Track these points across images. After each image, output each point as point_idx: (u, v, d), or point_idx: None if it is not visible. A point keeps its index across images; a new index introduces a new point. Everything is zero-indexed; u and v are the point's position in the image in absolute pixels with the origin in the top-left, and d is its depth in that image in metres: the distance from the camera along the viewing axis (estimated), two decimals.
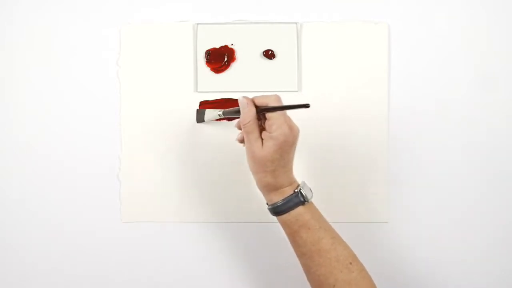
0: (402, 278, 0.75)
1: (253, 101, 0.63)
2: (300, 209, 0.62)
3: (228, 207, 0.77)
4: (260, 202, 0.76)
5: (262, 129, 0.64)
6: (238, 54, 0.77)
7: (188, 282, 0.77)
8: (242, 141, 0.65)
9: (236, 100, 0.76)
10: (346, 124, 0.77)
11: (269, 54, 0.77)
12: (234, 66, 0.77)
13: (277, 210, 0.63)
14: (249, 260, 0.77)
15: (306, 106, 0.59)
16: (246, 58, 0.77)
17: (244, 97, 0.64)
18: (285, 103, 0.62)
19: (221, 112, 0.72)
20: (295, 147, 0.63)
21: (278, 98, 0.63)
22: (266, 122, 0.62)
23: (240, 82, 0.77)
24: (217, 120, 0.75)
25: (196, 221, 0.77)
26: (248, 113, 0.63)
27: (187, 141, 0.77)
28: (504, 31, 0.77)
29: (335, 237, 0.63)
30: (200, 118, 0.76)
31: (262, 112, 0.63)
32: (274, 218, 0.76)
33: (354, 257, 0.63)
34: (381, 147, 0.77)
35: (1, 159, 0.78)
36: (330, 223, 0.64)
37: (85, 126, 0.77)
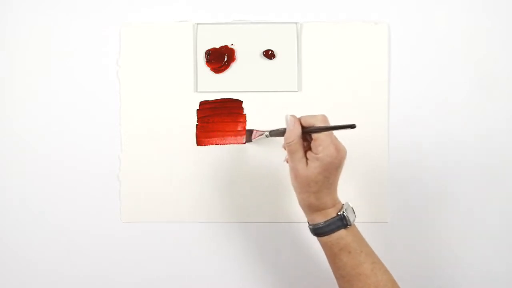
0: (402, 278, 0.75)
1: (299, 120, 0.62)
2: (342, 232, 0.61)
3: (229, 207, 0.77)
4: (260, 202, 0.77)
5: (307, 149, 0.62)
6: (238, 54, 0.77)
7: (188, 282, 0.77)
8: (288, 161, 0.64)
9: (236, 100, 0.77)
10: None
11: (269, 54, 0.77)
12: (234, 66, 0.77)
13: (318, 232, 0.62)
14: (249, 260, 0.77)
15: (353, 126, 0.58)
16: (246, 58, 0.77)
17: (291, 115, 0.63)
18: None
19: (268, 133, 0.72)
20: (341, 169, 0.62)
21: (325, 118, 0.62)
22: (313, 142, 0.61)
23: (240, 82, 0.77)
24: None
25: (196, 221, 0.77)
26: (293, 131, 0.62)
27: (187, 141, 0.77)
28: (504, 31, 0.77)
29: (376, 262, 0.62)
30: (248, 138, 0.76)
31: (308, 132, 0.62)
32: (276, 218, 0.76)
33: (394, 283, 0.62)
34: (381, 147, 0.77)
35: (1, 159, 0.78)
36: (371, 247, 0.63)
37: (85, 126, 0.78)
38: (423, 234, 0.77)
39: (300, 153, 0.61)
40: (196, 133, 0.77)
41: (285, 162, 0.66)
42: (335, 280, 0.64)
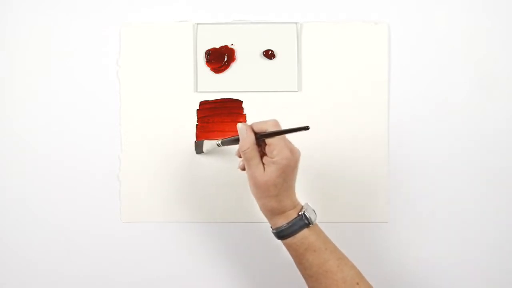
0: (402, 278, 0.75)
1: (251, 127, 0.63)
2: (305, 231, 0.62)
3: (229, 207, 0.77)
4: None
5: (262, 154, 0.63)
6: (238, 54, 0.77)
7: (188, 282, 0.77)
8: (243, 169, 0.65)
9: (236, 100, 0.77)
10: (346, 124, 0.77)
11: (269, 54, 0.77)
12: (234, 66, 0.77)
13: (282, 234, 0.63)
14: (249, 260, 0.77)
15: (306, 128, 0.58)
16: (246, 58, 0.77)
17: (242, 124, 0.63)
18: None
19: (219, 142, 0.72)
20: (297, 170, 0.63)
21: (276, 123, 0.63)
22: (267, 147, 0.62)
23: (240, 82, 0.77)
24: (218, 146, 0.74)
25: (196, 221, 0.77)
26: (246, 139, 0.62)
27: (187, 140, 0.77)
28: (504, 31, 0.77)
29: (341, 258, 0.63)
30: (199, 149, 0.76)
31: (261, 138, 0.62)
32: None
33: (361, 276, 0.63)
34: (381, 147, 0.77)
35: (1, 159, 0.78)
36: (334, 243, 0.64)
37: (85, 126, 0.78)
38: (423, 234, 0.77)
39: (256, 159, 0.62)
40: (196, 133, 0.77)
41: (239, 169, 0.66)
42: (301, 274, 0.64)
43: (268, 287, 0.77)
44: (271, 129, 0.62)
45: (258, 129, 0.63)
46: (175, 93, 0.77)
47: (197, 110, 0.77)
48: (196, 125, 0.77)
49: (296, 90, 0.77)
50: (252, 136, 0.62)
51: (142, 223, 0.77)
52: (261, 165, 0.62)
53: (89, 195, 0.77)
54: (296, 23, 0.77)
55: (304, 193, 0.74)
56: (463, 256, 0.77)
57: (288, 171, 0.61)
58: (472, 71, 0.77)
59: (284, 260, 0.77)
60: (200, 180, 0.77)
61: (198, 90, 0.77)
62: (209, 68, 0.77)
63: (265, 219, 0.77)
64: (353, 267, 0.63)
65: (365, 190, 0.77)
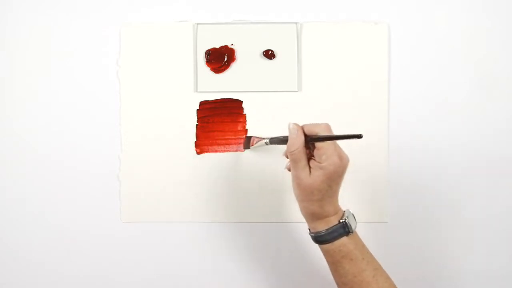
0: (402, 278, 0.75)
1: (302, 128, 0.62)
2: (344, 239, 0.61)
3: (229, 207, 0.77)
4: (260, 202, 0.77)
5: (309, 157, 0.62)
6: (238, 54, 0.77)
7: (188, 282, 0.77)
8: (290, 169, 0.64)
9: (236, 100, 0.77)
10: (346, 124, 0.76)
11: (269, 54, 0.77)
12: (234, 66, 0.77)
13: (320, 239, 0.62)
14: (249, 260, 0.77)
15: (359, 136, 0.57)
16: (246, 58, 0.77)
17: (294, 124, 0.62)
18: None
19: (267, 140, 0.72)
20: (343, 177, 0.62)
21: (328, 127, 0.62)
22: (316, 151, 0.61)
23: (240, 82, 0.77)
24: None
25: (196, 221, 0.77)
26: (296, 140, 0.61)
27: (187, 140, 0.77)
28: (504, 31, 0.77)
29: (377, 269, 0.62)
30: (246, 145, 0.76)
31: (311, 141, 0.61)
32: (275, 218, 0.76)
33: None
34: (381, 147, 0.77)
35: (1, 159, 0.78)
36: (372, 254, 0.63)
37: (85, 126, 0.78)
38: (423, 234, 0.77)
39: (303, 161, 0.61)
40: (196, 133, 0.77)
41: (286, 169, 0.66)
42: (334, 280, 0.64)
43: (269, 286, 0.77)
44: (323, 133, 0.61)
45: (308, 131, 0.62)
46: (175, 93, 0.77)
47: (197, 110, 0.77)
48: (196, 125, 0.77)
49: (296, 90, 0.77)
50: (302, 138, 0.61)
51: (142, 223, 0.77)
52: (307, 168, 0.61)
53: (89, 195, 0.77)
54: (296, 23, 0.77)
55: None
56: (463, 256, 0.77)
57: (335, 177, 0.61)
58: (472, 71, 0.77)
59: (285, 260, 0.77)
60: (200, 180, 0.77)
61: (198, 90, 0.77)
62: (209, 68, 0.77)
63: (264, 220, 0.77)
64: (388, 278, 0.62)
65: (365, 190, 0.77)
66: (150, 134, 0.77)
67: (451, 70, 0.77)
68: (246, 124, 0.77)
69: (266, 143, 0.72)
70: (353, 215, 0.63)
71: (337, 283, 0.63)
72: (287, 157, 0.64)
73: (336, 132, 0.63)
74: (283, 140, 0.66)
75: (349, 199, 0.76)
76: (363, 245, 0.63)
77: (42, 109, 0.78)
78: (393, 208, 0.77)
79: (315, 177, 0.60)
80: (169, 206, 0.77)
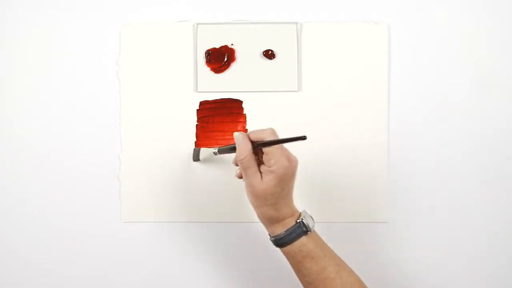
0: (402, 278, 0.75)
1: (248, 136, 0.63)
2: (303, 239, 0.62)
3: (229, 207, 0.77)
4: None
5: (259, 163, 0.63)
6: (238, 54, 0.77)
7: (188, 282, 0.77)
8: (240, 177, 0.65)
9: (236, 100, 0.77)
10: (346, 124, 0.77)
11: (269, 54, 0.77)
12: (234, 66, 0.77)
13: (280, 242, 0.63)
14: (250, 260, 0.77)
15: (303, 138, 0.58)
16: (246, 58, 0.77)
17: (239, 132, 0.63)
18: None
19: (216, 150, 0.72)
20: (294, 178, 0.63)
21: (273, 131, 0.63)
22: (264, 156, 0.62)
23: (240, 82, 0.77)
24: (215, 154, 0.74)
25: (196, 221, 0.77)
26: (243, 148, 0.62)
27: (187, 141, 0.77)
28: (504, 31, 0.77)
29: (340, 264, 0.63)
30: (195, 156, 0.76)
31: (258, 147, 0.62)
32: None
33: (360, 282, 0.63)
34: (381, 147, 0.77)
35: (1, 159, 0.77)
36: (333, 249, 0.64)
37: (85, 126, 0.78)
38: (423, 234, 0.77)
39: (254, 168, 0.62)
40: (196, 133, 0.77)
41: (237, 177, 0.67)
42: (299, 281, 0.64)
43: (267, 286, 0.77)
44: (268, 138, 0.62)
45: (255, 137, 0.63)
46: (175, 93, 0.77)
47: (197, 110, 0.77)
48: (196, 125, 0.77)
49: (296, 90, 0.77)
50: (249, 145, 0.62)
51: (142, 223, 0.77)
52: (258, 173, 0.62)
53: (89, 195, 0.77)
54: (296, 23, 0.77)
55: (304, 193, 0.74)
56: (463, 256, 0.77)
57: (286, 179, 0.61)
58: (472, 71, 0.77)
59: (285, 260, 0.77)
60: (200, 180, 0.77)
61: (198, 90, 0.77)
62: (209, 68, 0.77)
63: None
64: (351, 273, 0.63)
65: (365, 190, 0.77)
66: (150, 134, 0.77)
67: (451, 70, 0.77)
68: (246, 124, 0.77)
69: (214, 153, 0.73)
70: (310, 215, 0.64)
71: (303, 283, 0.64)
72: (237, 165, 0.64)
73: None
74: (231, 149, 0.67)
75: (349, 199, 0.76)
76: (323, 243, 0.63)
77: (42, 109, 0.78)
78: (393, 208, 0.77)
79: (267, 181, 0.61)
80: (169, 206, 0.77)
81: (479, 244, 0.77)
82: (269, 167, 0.61)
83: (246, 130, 0.77)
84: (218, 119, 0.77)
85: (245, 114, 0.77)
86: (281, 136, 0.62)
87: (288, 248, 0.62)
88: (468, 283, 0.77)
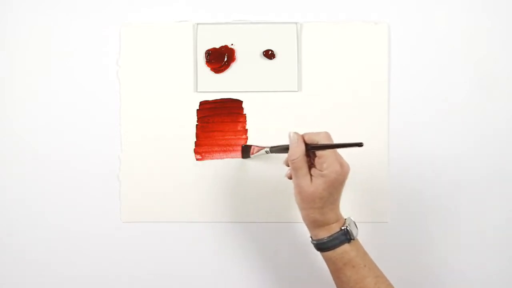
0: (402, 278, 0.75)
1: (302, 137, 0.63)
2: (345, 246, 0.62)
3: (229, 207, 0.77)
4: (260, 202, 0.77)
5: (310, 165, 0.63)
6: (238, 54, 0.77)
7: (188, 282, 0.77)
8: (290, 177, 0.64)
9: (236, 100, 0.77)
10: (346, 124, 0.77)
11: (269, 54, 0.77)
12: (234, 66, 0.77)
13: (322, 247, 0.62)
14: (249, 260, 0.77)
15: (359, 145, 0.58)
16: (246, 58, 0.77)
17: (294, 132, 0.63)
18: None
19: (268, 149, 0.72)
20: (344, 184, 0.62)
21: (328, 135, 0.62)
22: (317, 159, 0.61)
23: (240, 82, 0.77)
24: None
25: (196, 221, 0.77)
26: (297, 149, 0.62)
27: (187, 140, 0.77)
28: (504, 31, 0.77)
29: (379, 276, 0.62)
30: (245, 154, 0.76)
31: (312, 149, 0.62)
32: (275, 218, 0.76)
33: None
34: (381, 147, 0.77)
35: (1, 159, 0.78)
36: (374, 261, 0.63)
37: (85, 126, 0.78)
38: (423, 234, 0.77)
39: (305, 169, 0.61)
40: (196, 133, 0.77)
41: (287, 178, 0.66)
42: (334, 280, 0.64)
43: (269, 286, 0.77)
44: (323, 141, 0.62)
45: (309, 140, 0.62)
46: (175, 93, 0.77)
47: (197, 110, 0.77)
48: (196, 125, 0.77)
49: (296, 90, 0.77)
50: (303, 146, 0.62)
51: (142, 223, 0.77)
52: (308, 176, 0.61)
53: (89, 195, 0.77)
54: (296, 23, 0.77)
55: None
56: (463, 256, 0.77)
57: (336, 185, 0.61)
58: (472, 71, 0.77)
59: (285, 260, 0.77)
60: (200, 180, 0.77)
61: (198, 90, 0.77)
62: (209, 68, 0.77)
63: (265, 219, 0.77)
64: (389, 286, 0.62)
65: (365, 190, 0.77)
66: (150, 134, 0.77)
67: (451, 70, 0.77)
68: (246, 124, 0.77)
69: (266, 152, 0.73)
70: (354, 222, 0.63)
71: None
72: (288, 166, 0.64)
73: (336, 136, 0.63)
74: (283, 149, 0.66)
75: (349, 199, 0.76)
76: (364, 252, 0.63)
77: (42, 109, 0.78)
78: (393, 208, 0.77)
79: (317, 185, 0.61)
80: (169, 206, 0.77)
81: (479, 244, 0.77)
82: (321, 170, 0.61)
83: (246, 130, 0.77)
84: (218, 119, 0.77)
85: (245, 114, 0.77)
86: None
87: (330, 253, 0.62)
88: (469, 283, 0.77)
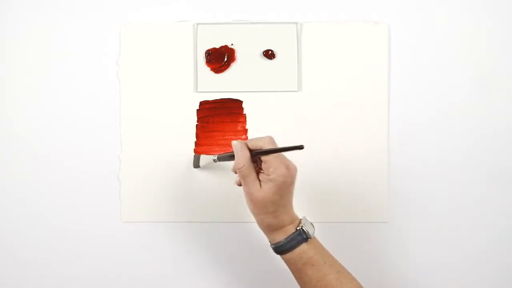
0: (401, 278, 0.75)
1: (246, 144, 0.63)
2: (303, 246, 0.62)
3: (229, 207, 0.77)
4: None
5: (258, 170, 0.63)
6: (238, 54, 0.77)
7: (188, 282, 0.77)
8: (240, 184, 0.65)
9: (236, 100, 0.77)
10: (346, 124, 0.77)
11: (269, 54, 0.77)
12: (234, 66, 0.77)
13: (280, 249, 0.63)
14: (250, 260, 0.77)
15: (300, 147, 0.59)
16: (246, 58, 0.77)
17: (237, 141, 0.64)
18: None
19: (215, 158, 0.73)
20: (294, 186, 0.63)
21: (271, 140, 0.63)
22: (263, 164, 0.62)
23: (240, 82, 0.77)
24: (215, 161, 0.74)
25: (196, 221, 0.77)
26: (242, 157, 0.62)
27: (187, 141, 0.77)
28: (504, 31, 0.77)
29: (341, 271, 0.62)
30: (196, 163, 0.76)
31: (256, 155, 0.63)
32: None
33: None
34: (381, 147, 0.77)
35: (1, 159, 0.78)
36: (334, 256, 0.63)
37: (85, 126, 0.78)
38: (423, 234, 0.77)
39: (252, 176, 0.62)
40: (196, 133, 0.77)
41: (236, 185, 0.66)
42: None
43: (269, 286, 0.77)
44: (267, 146, 0.62)
45: (253, 146, 0.63)
46: (175, 93, 0.77)
47: (197, 110, 0.77)
48: (196, 125, 0.77)
49: (296, 90, 0.77)
50: (247, 153, 0.62)
51: (142, 223, 0.77)
52: (257, 181, 0.62)
53: (89, 195, 0.77)
54: (296, 23, 0.77)
55: (303, 194, 0.74)
56: (463, 256, 0.77)
57: (285, 187, 0.61)
58: (472, 71, 0.77)
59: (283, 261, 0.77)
60: (200, 180, 0.77)
61: (198, 90, 0.77)
62: (209, 68, 0.77)
63: None
64: (352, 279, 0.62)
65: (365, 190, 0.77)
66: (150, 134, 0.77)
67: (451, 70, 0.77)
68: (246, 124, 0.77)
69: (214, 160, 0.73)
70: (310, 222, 0.63)
71: None
72: (236, 173, 0.64)
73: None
74: (230, 156, 0.67)
75: (349, 199, 0.77)
76: (324, 250, 0.63)
77: (42, 109, 0.78)
78: (393, 208, 0.77)
79: (266, 190, 0.61)
80: (169, 206, 0.77)
81: (479, 244, 0.77)
82: (268, 175, 0.61)
83: (246, 130, 0.77)
84: (218, 119, 0.77)
85: (245, 114, 0.77)
86: (280, 142, 0.62)
87: (288, 255, 0.62)
88: (468, 283, 0.77)
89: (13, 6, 0.78)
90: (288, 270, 0.63)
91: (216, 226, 0.77)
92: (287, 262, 0.63)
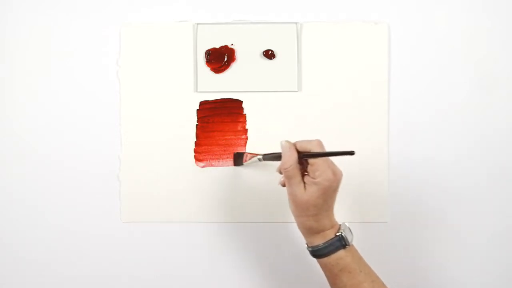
0: (401, 278, 0.75)
1: (294, 145, 0.63)
2: (341, 252, 0.62)
3: (229, 207, 0.77)
4: (260, 202, 0.77)
5: (303, 172, 0.63)
6: (238, 54, 0.77)
7: (188, 283, 0.77)
8: (284, 185, 0.64)
9: (236, 100, 0.77)
10: (346, 124, 0.77)
11: (269, 54, 0.77)
12: (234, 66, 0.77)
13: (317, 253, 0.63)
14: (250, 260, 0.77)
15: (351, 153, 0.59)
16: (246, 58, 0.77)
17: (286, 141, 0.63)
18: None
19: (261, 157, 0.72)
20: (337, 191, 0.63)
21: (320, 143, 0.62)
22: (309, 167, 0.62)
23: (240, 82, 0.77)
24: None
25: (196, 221, 0.77)
26: (289, 158, 0.62)
27: (187, 141, 0.77)
28: (504, 31, 0.77)
29: (375, 281, 0.62)
30: (238, 162, 0.76)
31: (304, 157, 0.62)
32: (275, 218, 0.76)
33: None
34: (381, 147, 0.77)
35: (1, 159, 0.77)
36: (369, 265, 0.63)
37: (85, 126, 0.77)
38: (423, 234, 0.77)
39: (298, 178, 0.62)
40: (196, 133, 0.77)
41: (280, 185, 0.66)
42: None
43: (268, 286, 0.77)
44: (315, 149, 0.62)
45: (301, 148, 0.63)
46: (175, 93, 0.77)
47: (197, 110, 0.77)
48: (196, 125, 0.77)
49: (296, 90, 0.77)
50: (295, 155, 0.62)
51: (142, 223, 0.77)
52: (302, 184, 0.62)
53: (89, 195, 0.77)
54: (296, 23, 0.77)
55: None
56: (463, 256, 0.77)
57: (330, 192, 0.61)
58: (472, 71, 0.77)
59: (285, 260, 0.77)
60: (200, 180, 0.77)
61: (198, 90, 0.77)
62: (209, 68, 0.77)
63: (265, 220, 0.77)
64: None
65: (365, 190, 0.77)
66: (150, 134, 0.77)
67: (451, 70, 0.77)
68: (246, 124, 0.77)
69: (259, 159, 0.73)
70: (349, 228, 0.64)
71: None
72: (281, 173, 0.64)
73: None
74: (276, 157, 0.66)
75: (349, 199, 0.76)
76: (360, 258, 0.63)
77: (42, 109, 0.78)
78: (393, 208, 0.77)
79: (310, 193, 0.61)
80: (169, 206, 0.77)
81: (480, 244, 0.77)
82: (314, 178, 0.61)
83: (246, 130, 0.77)
84: (218, 119, 0.77)
85: (245, 114, 0.77)
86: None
87: (325, 260, 0.62)
88: (468, 283, 0.77)
89: (13, 6, 0.78)
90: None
91: (216, 226, 0.77)
92: (323, 266, 0.63)
